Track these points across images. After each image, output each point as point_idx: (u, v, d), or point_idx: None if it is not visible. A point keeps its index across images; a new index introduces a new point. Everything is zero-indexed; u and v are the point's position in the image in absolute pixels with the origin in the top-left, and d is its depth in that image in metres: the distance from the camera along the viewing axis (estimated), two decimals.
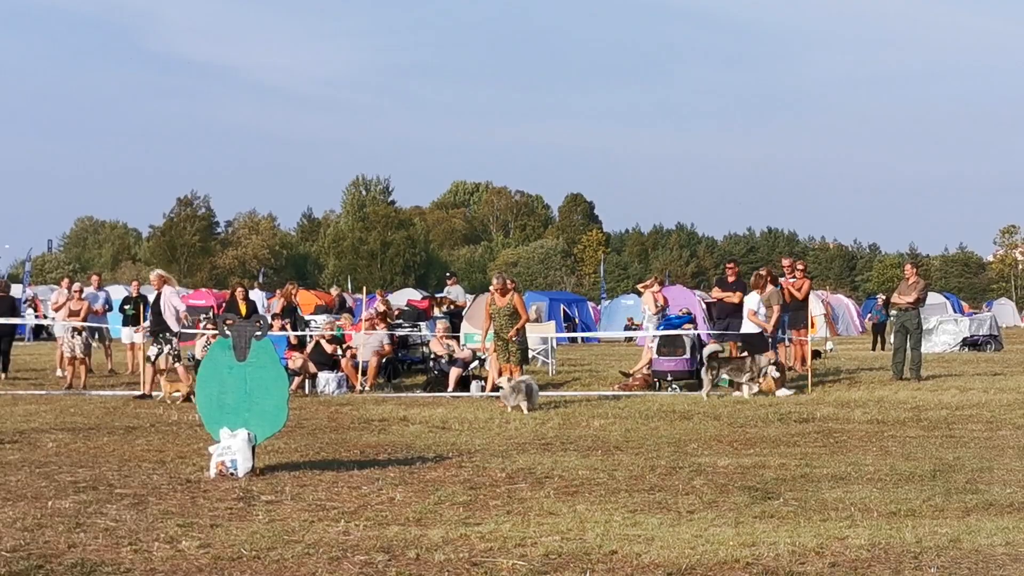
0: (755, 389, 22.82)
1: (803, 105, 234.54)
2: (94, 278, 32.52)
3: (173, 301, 23.58)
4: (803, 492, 11.79)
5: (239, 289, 29.21)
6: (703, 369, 23.17)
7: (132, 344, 29.78)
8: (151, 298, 29.25)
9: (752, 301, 24.36)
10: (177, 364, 23.12)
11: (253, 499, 11.39)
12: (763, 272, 25.05)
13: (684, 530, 9.82)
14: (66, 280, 32.75)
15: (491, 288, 22.37)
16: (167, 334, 23.21)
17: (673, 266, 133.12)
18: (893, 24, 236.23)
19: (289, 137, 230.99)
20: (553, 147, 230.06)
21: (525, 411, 19.94)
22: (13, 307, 31.20)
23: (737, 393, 22.86)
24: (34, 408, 20.64)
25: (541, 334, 30.33)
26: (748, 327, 24.17)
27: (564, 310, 47.42)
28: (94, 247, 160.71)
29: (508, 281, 22.66)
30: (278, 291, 33.43)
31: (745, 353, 23.56)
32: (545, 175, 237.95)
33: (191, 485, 12.25)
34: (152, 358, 23.14)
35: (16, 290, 47.27)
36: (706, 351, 23.69)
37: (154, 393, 22.84)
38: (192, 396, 21.47)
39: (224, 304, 34.95)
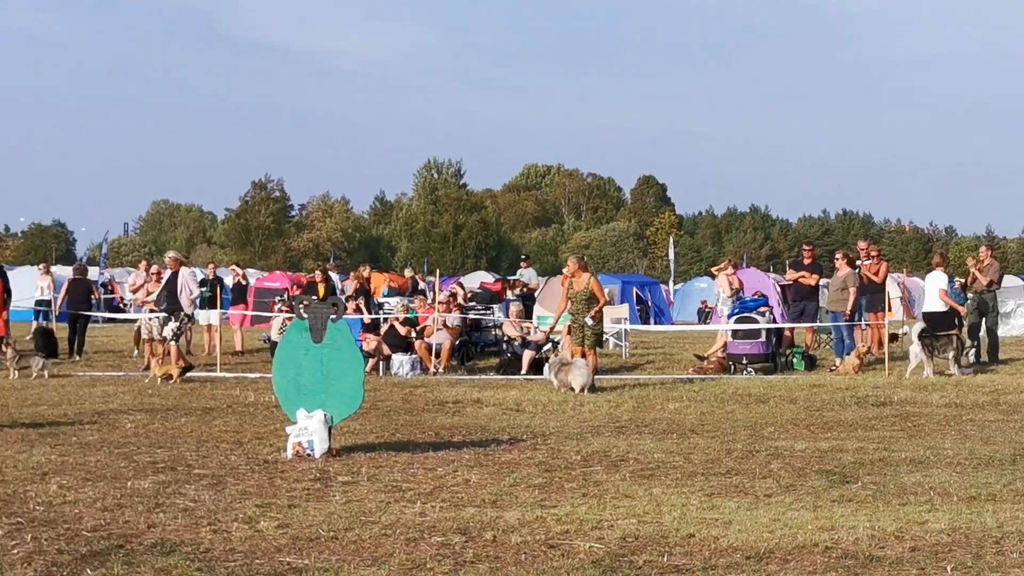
0: (960, 368, 23.18)
1: (879, 86, 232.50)
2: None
3: (190, 283, 23.89)
4: (881, 476, 11.68)
5: (318, 271, 29.41)
6: (917, 348, 22.89)
7: (209, 325, 30.03)
8: (204, 279, 29.71)
9: (941, 280, 24.53)
10: (173, 344, 23.30)
11: (330, 480, 11.45)
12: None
13: (762, 514, 9.76)
14: (144, 262, 33.14)
15: (565, 270, 22.21)
16: (180, 313, 23.47)
17: (747, 248, 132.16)
18: (971, 4, 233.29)
19: (362, 120, 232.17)
20: (626, 129, 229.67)
21: (577, 389, 20.03)
22: (89, 290, 31.56)
23: (950, 372, 22.79)
24: (112, 389, 20.83)
25: (614, 317, 30.26)
26: (935, 305, 24.36)
27: (637, 293, 47.08)
28: (169, 230, 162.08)
29: (584, 263, 22.58)
30: (351, 273, 33.53)
31: (952, 331, 23.67)
32: (617, 157, 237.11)
33: (268, 466, 12.33)
34: (168, 337, 23.35)
35: (93, 272, 47.86)
36: (914, 329, 23.50)
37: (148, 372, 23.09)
38: (176, 376, 22.15)
39: (300, 286, 35.22)
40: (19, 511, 9.85)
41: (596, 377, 20.83)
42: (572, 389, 20.20)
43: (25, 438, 14.35)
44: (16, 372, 22.91)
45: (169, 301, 23.69)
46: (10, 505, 10.10)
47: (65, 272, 43.36)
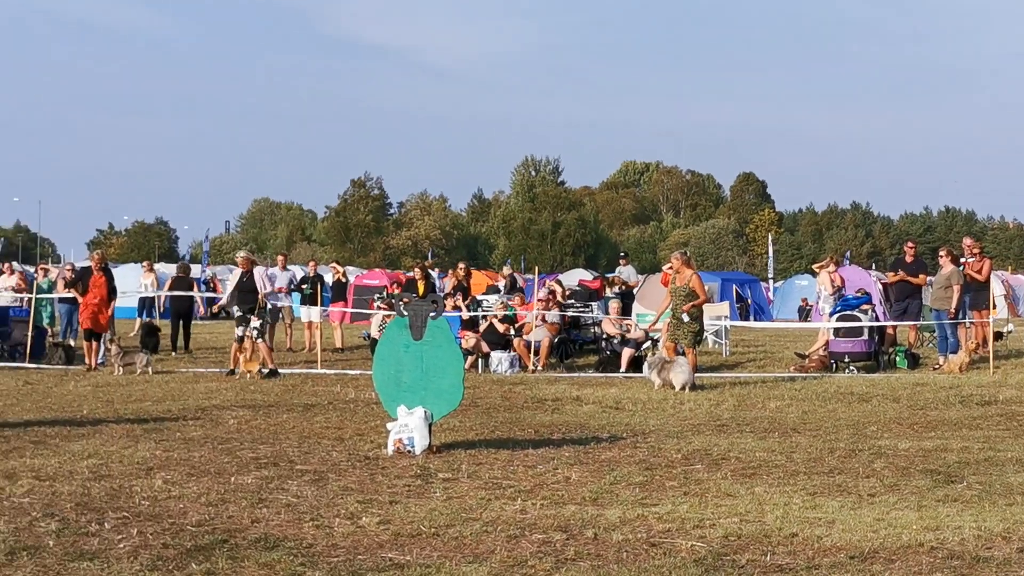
0: None
1: (980, 81, 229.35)
2: (280, 258, 33.21)
3: (265, 281, 24.13)
4: (987, 476, 11.50)
5: (417, 269, 29.59)
6: None
7: (310, 322, 30.26)
8: (304, 277, 29.99)
9: None
10: (260, 341, 23.45)
11: (430, 476, 11.48)
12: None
13: (866, 513, 9.65)
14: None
15: (667, 267, 22.10)
16: (257, 311, 23.63)
17: (848, 246, 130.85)
18: None
19: (460, 118, 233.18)
20: (724, 126, 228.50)
21: (678, 387, 20.02)
22: (191, 288, 32.04)
23: None
24: (215, 386, 21.07)
25: (714, 314, 30.10)
26: None
27: (736, 291, 46.84)
28: (270, 228, 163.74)
29: (688, 259, 22.42)
30: (449, 271, 33.66)
31: None
32: (716, 154, 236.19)
33: (369, 462, 12.39)
34: (243, 336, 23.44)
35: (195, 270, 48.47)
36: None
37: (236, 369, 23.19)
38: (264, 372, 22.68)
39: (399, 284, 35.41)
40: (125, 505, 9.98)
41: (695, 375, 20.71)
42: (673, 387, 20.13)
43: (130, 433, 14.55)
44: (120, 368, 23.24)
45: (240, 300, 23.89)
46: (116, 499, 10.24)
47: (168, 270, 44.00)
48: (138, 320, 37.17)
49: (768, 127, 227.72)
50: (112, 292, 24.90)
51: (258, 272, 24.22)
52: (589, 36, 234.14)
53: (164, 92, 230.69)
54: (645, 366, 21.87)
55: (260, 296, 23.60)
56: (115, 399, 18.61)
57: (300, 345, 30.71)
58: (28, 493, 10.49)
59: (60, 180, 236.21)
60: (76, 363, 25.34)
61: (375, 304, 31.02)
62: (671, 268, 21.70)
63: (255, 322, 23.39)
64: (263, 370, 22.70)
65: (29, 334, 26.30)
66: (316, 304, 29.73)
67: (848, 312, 24.60)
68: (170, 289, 31.92)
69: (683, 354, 20.94)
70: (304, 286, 30.63)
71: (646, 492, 10.76)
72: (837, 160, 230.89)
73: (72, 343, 26.84)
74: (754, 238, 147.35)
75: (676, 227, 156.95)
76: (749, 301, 48.14)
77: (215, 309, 29.35)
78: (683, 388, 20.00)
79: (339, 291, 33.22)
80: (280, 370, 23.34)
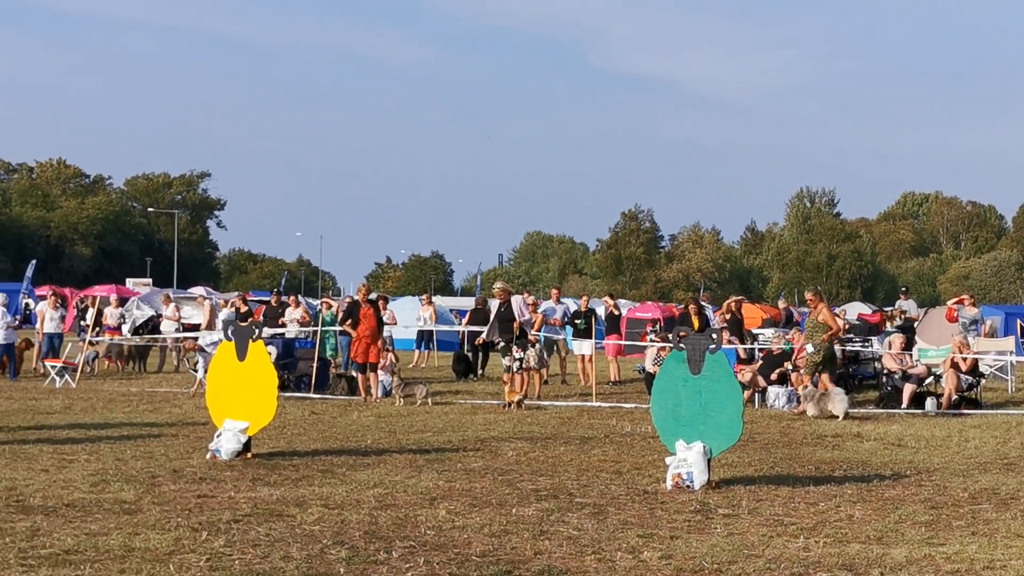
0: None
1: None
2: (554, 292, 33.93)
3: (524, 310, 24.47)
4: None
5: (691, 303, 29.56)
6: None
7: (582, 356, 30.43)
8: (577, 311, 30.38)
9: None
10: (518, 373, 23.56)
11: (710, 512, 11.43)
12: None
13: None
14: (525, 293, 34.12)
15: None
16: (521, 341, 23.73)
17: None
18: None
19: (732, 149, 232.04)
20: (1007, 154, 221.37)
21: (840, 416, 20.81)
22: (487, 319, 32.79)
23: None
24: (492, 417, 21.35)
25: (998, 349, 29.16)
26: None
27: (1021, 325, 45.32)
28: (542, 260, 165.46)
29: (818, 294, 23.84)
30: (724, 303, 33.44)
31: None
32: (999, 184, 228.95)
33: (648, 496, 12.40)
34: (510, 367, 23.65)
35: (468, 303, 49.43)
36: None
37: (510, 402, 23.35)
38: (521, 403, 22.86)
39: (674, 317, 35.40)
40: (411, 535, 10.21)
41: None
42: (836, 416, 20.89)
43: (413, 463, 14.87)
44: (402, 399, 23.76)
45: (502, 330, 24.15)
46: (403, 529, 10.48)
47: (446, 302, 45.05)
48: (416, 352, 38.06)
49: None
50: (380, 324, 25.56)
51: (516, 301, 24.56)
52: (867, 64, 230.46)
53: (440, 128, 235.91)
54: (800, 398, 22.34)
55: (515, 324, 23.92)
56: (397, 429, 19.03)
57: (575, 378, 30.91)
58: (318, 521, 10.82)
59: (340, 215, 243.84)
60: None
61: (648, 337, 31.01)
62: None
63: (518, 353, 23.66)
64: (523, 400, 22.99)
65: (314, 365, 27.11)
66: (589, 337, 29.87)
67: None
68: (469, 320, 33.86)
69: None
70: (578, 321, 30.82)
71: (932, 531, 10.50)
72: None
73: (354, 374, 27.58)
74: None
75: (956, 259, 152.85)
76: None
77: (478, 342, 29.92)
78: (845, 416, 20.89)
79: (612, 324, 33.32)
80: (557, 403, 23.51)
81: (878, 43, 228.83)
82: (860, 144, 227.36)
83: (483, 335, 27.01)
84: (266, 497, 12.09)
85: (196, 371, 25.60)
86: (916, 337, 30.47)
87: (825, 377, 22.16)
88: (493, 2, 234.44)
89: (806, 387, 22.05)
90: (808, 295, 23.99)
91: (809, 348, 22.46)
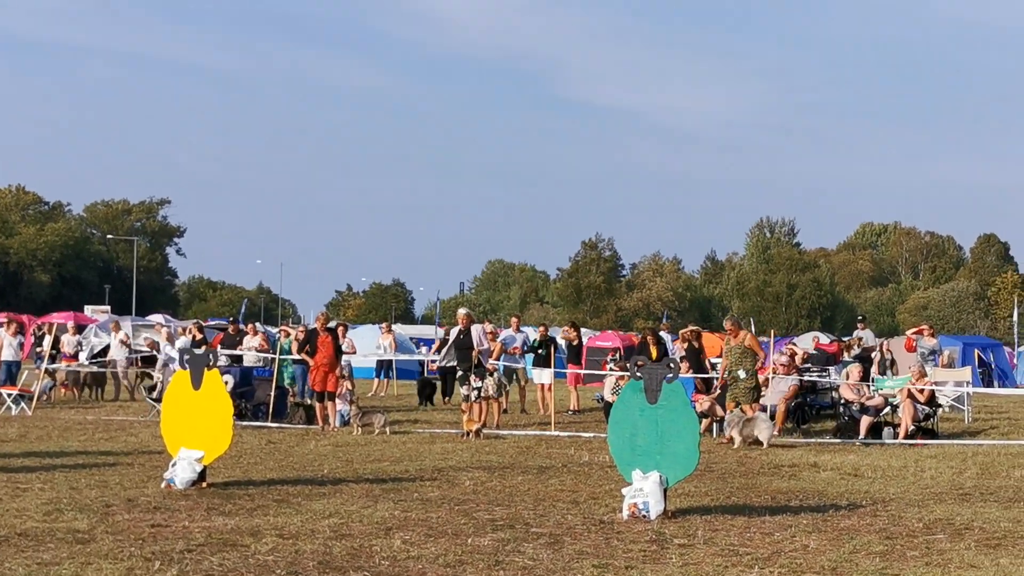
0: None
1: None
2: (514, 320, 34.07)
3: (483, 339, 24.68)
4: None
5: (648, 333, 29.59)
6: None
7: (542, 384, 30.40)
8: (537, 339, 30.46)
9: None
10: (476, 402, 23.63)
11: (666, 542, 11.43)
12: None
13: None
14: (486, 322, 34.07)
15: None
16: (479, 370, 23.80)
17: None
18: None
19: (692, 179, 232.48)
20: (965, 185, 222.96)
21: (764, 443, 21.25)
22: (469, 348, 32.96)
23: None
24: (451, 446, 21.31)
25: (956, 380, 29.31)
26: None
27: (979, 355, 45.59)
28: (503, 289, 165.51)
29: (736, 322, 24.35)
30: (680, 332, 33.50)
31: None
32: (957, 214, 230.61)
33: (604, 526, 12.40)
34: (468, 396, 23.69)
35: (429, 331, 49.31)
36: None
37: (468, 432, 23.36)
38: (479, 432, 22.88)
39: (634, 346, 35.44)
40: (366, 565, 10.17)
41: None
42: (760, 443, 21.36)
43: (369, 493, 14.82)
44: (360, 428, 23.68)
45: (459, 357, 24.22)
46: (357, 559, 10.44)
47: (406, 331, 44.90)
48: (376, 380, 37.95)
49: (1011, 186, 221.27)
50: (338, 352, 25.52)
51: (475, 330, 24.66)
52: (825, 96, 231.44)
53: (400, 156, 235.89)
54: (725, 424, 22.61)
55: (473, 352, 23.96)
56: (354, 459, 18.97)
57: (533, 406, 30.87)
58: (272, 551, 10.77)
59: (301, 242, 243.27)
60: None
61: (607, 366, 31.03)
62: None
63: (476, 382, 23.68)
64: (481, 429, 23.00)
65: (271, 394, 26.99)
66: (549, 366, 29.87)
67: None
68: (437, 350, 33.81)
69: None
70: (540, 350, 30.81)
71: (887, 562, 10.54)
72: None
73: (310, 402, 27.48)
74: (996, 301, 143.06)
75: (915, 289, 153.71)
76: (992, 366, 46.77)
77: (432, 368, 29.92)
78: (768, 443, 21.19)
79: (573, 353, 33.30)
80: (516, 432, 23.49)
81: (837, 76, 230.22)
82: (819, 175, 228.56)
83: (438, 360, 27.07)
84: (220, 527, 12.03)
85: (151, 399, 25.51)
86: (873, 367, 30.59)
87: (731, 404, 22.68)
88: (456, 31, 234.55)
89: (731, 412, 22.26)
90: (727, 324, 24.42)
91: (741, 374, 22.72)
